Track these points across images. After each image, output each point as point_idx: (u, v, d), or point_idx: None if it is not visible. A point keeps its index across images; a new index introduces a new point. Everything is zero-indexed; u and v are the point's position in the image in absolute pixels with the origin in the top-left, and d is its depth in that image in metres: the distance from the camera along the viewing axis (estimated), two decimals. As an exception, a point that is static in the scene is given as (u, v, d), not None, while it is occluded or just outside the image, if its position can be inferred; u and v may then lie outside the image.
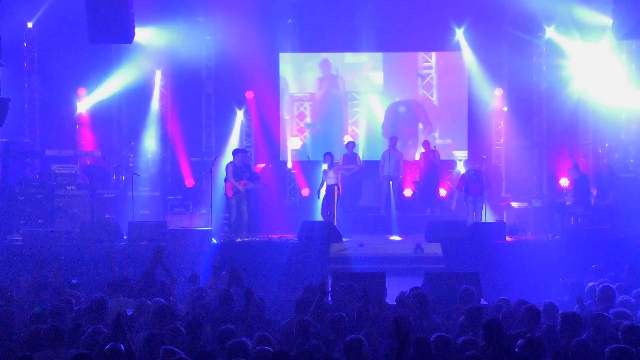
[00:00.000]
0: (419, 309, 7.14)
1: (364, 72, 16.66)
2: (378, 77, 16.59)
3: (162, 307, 7.05)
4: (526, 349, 5.75)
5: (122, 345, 5.59)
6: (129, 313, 7.01)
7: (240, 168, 13.78)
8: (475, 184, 13.74)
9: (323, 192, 13.86)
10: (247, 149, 15.34)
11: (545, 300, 7.60)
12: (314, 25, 16.09)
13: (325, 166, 13.88)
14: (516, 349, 5.80)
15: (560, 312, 6.81)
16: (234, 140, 16.36)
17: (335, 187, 13.65)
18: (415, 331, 6.59)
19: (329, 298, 7.92)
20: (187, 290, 8.73)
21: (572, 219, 13.53)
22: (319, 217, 14.45)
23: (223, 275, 9.28)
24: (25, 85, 15.42)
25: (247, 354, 5.68)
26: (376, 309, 6.96)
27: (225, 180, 13.72)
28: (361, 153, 15.71)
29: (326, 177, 13.77)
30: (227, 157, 14.81)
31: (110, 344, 5.61)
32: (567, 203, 13.64)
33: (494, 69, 15.91)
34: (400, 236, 13.83)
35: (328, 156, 13.83)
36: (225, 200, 13.73)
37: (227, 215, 13.83)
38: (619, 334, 5.95)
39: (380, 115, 16.55)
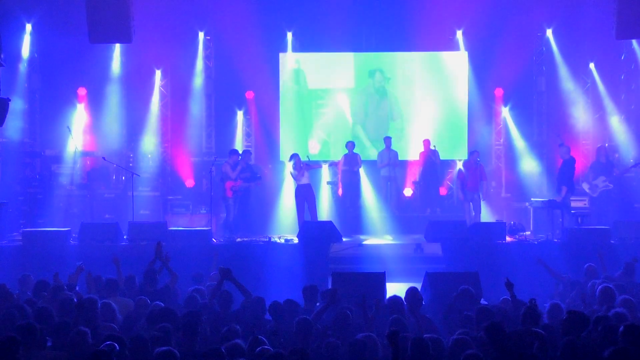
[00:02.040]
0: (411, 305, 7.17)
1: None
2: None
3: (160, 310, 7.07)
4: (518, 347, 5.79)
5: (116, 345, 5.61)
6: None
7: (235, 167, 13.84)
8: (472, 178, 13.78)
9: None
10: (249, 149, 15.31)
11: (550, 301, 7.61)
12: (314, 25, 16.08)
13: (290, 168, 13.97)
14: (516, 347, 5.83)
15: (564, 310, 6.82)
16: (234, 140, 16.37)
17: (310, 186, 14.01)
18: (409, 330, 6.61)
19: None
20: (189, 289, 8.72)
21: (579, 219, 13.44)
22: (319, 217, 14.47)
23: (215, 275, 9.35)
24: (25, 85, 15.41)
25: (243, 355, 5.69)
26: (373, 312, 6.98)
27: (222, 180, 13.74)
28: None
29: (297, 178, 13.88)
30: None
31: (106, 342, 5.63)
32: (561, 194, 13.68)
33: (494, 69, 15.89)
34: (396, 237, 13.81)
35: (293, 157, 13.98)
36: (223, 200, 13.76)
37: (225, 215, 13.87)
38: (618, 334, 5.95)
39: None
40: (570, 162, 13.54)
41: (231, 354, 5.66)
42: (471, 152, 14.40)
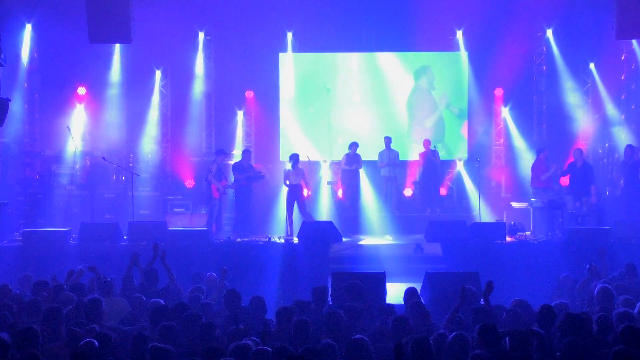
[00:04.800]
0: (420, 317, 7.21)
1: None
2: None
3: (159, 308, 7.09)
4: (515, 348, 5.81)
5: (95, 341, 5.64)
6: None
7: (222, 168, 13.82)
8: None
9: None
10: (249, 149, 15.30)
11: (555, 301, 7.61)
12: (314, 25, 16.08)
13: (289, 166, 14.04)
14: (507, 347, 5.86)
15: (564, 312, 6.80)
16: (234, 140, 16.37)
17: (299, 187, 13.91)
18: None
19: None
20: (189, 289, 8.73)
21: (579, 219, 13.43)
22: (318, 217, 14.49)
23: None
24: (25, 85, 15.40)
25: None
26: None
27: (207, 180, 13.76)
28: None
29: (288, 177, 13.96)
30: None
31: (85, 339, 5.65)
32: (566, 197, 13.61)
33: (494, 69, 15.90)
34: (396, 237, 13.81)
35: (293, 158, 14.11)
36: (209, 199, 13.75)
37: (211, 214, 13.89)
38: (618, 335, 5.95)
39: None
40: (586, 167, 13.68)
41: (239, 353, 5.67)
42: (540, 149, 14.40)
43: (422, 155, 15.48)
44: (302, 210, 14.01)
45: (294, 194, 13.96)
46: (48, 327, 6.46)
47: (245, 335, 6.22)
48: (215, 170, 13.69)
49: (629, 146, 14.16)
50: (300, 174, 13.99)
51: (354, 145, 14.94)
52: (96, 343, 5.70)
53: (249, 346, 5.80)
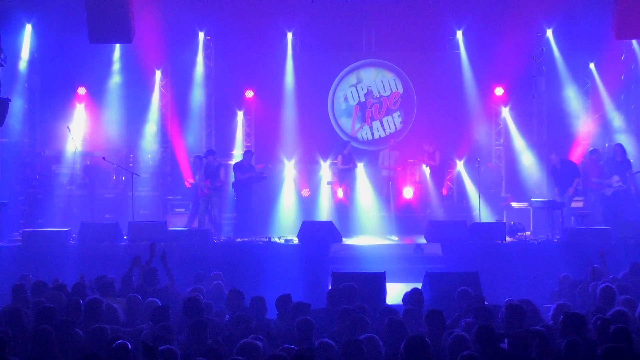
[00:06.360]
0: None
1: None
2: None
3: (158, 309, 7.08)
4: (514, 347, 5.81)
5: (128, 343, 5.60)
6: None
7: (211, 168, 13.79)
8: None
9: None
10: (250, 149, 15.30)
11: (557, 302, 7.62)
12: (314, 25, 16.08)
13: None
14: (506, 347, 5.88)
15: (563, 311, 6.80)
16: (234, 140, 16.36)
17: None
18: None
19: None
20: (188, 289, 8.72)
21: (572, 219, 13.48)
22: (318, 217, 14.49)
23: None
24: (25, 85, 15.40)
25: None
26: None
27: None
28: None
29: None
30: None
31: (118, 341, 5.63)
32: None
33: (494, 70, 15.89)
34: (398, 237, 13.81)
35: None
36: (194, 198, 13.73)
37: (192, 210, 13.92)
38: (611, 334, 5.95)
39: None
40: (566, 164, 13.79)
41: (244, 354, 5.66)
42: (593, 151, 14.51)
43: (423, 156, 15.47)
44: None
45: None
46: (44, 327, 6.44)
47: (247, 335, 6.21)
48: (203, 169, 13.68)
49: (619, 145, 14.13)
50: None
51: (348, 144, 14.94)
52: (129, 345, 5.67)
53: (257, 346, 5.79)
